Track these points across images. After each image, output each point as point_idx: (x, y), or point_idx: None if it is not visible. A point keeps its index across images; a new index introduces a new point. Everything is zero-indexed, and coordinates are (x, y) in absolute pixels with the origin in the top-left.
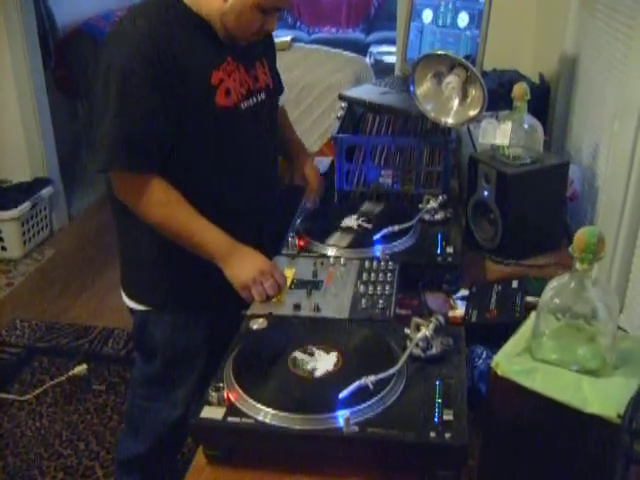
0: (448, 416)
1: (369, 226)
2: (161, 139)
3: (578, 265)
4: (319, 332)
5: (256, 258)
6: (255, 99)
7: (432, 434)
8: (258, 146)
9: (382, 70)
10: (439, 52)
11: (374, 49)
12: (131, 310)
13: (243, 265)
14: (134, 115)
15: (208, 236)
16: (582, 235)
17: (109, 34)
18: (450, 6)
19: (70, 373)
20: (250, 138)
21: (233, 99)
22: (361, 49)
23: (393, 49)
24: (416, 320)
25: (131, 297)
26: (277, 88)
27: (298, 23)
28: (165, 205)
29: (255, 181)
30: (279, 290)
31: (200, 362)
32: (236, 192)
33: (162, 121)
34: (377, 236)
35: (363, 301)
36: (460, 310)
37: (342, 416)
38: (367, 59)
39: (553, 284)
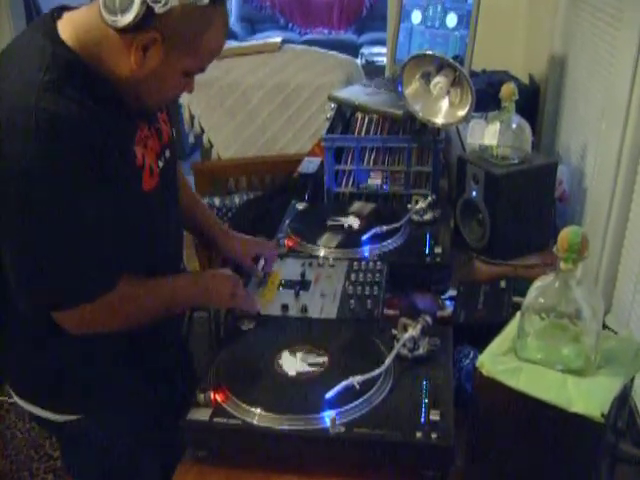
0: (435, 416)
1: (358, 226)
2: (112, 244)
3: (562, 265)
4: (307, 333)
5: (215, 280)
6: (163, 160)
7: (418, 434)
8: (172, 211)
9: (373, 71)
10: (427, 52)
11: (365, 50)
12: (46, 423)
13: (212, 292)
14: (81, 229)
15: (177, 295)
16: (566, 235)
17: (6, 120)
18: (439, 7)
19: None
20: (166, 207)
21: (155, 178)
22: (353, 50)
23: (384, 50)
24: (403, 320)
25: (47, 407)
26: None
27: (290, 24)
28: (137, 306)
29: (174, 240)
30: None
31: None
32: (157, 258)
33: (106, 222)
34: (366, 237)
35: (351, 301)
36: (448, 310)
37: (328, 416)
38: (358, 60)
39: (538, 284)
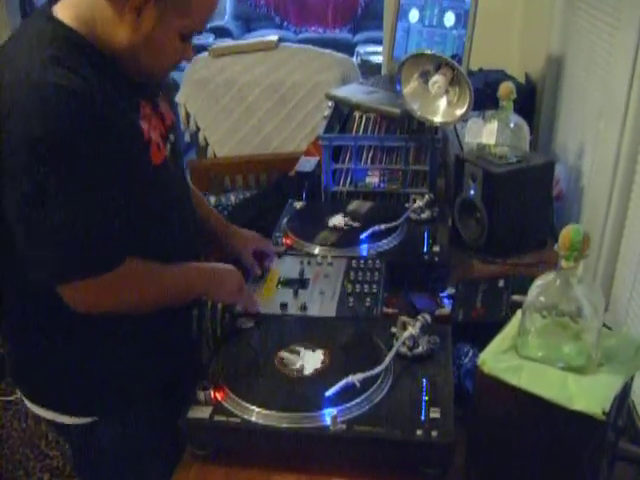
0: (435, 414)
1: (356, 225)
2: (123, 220)
3: (564, 263)
4: (306, 331)
5: (225, 273)
6: (169, 143)
7: (419, 432)
8: (181, 196)
9: (368, 70)
10: (426, 51)
11: (361, 49)
12: (59, 427)
13: (221, 284)
14: (92, 202)
15: (192, 282)
16: (567, 233)
17: (10, 96)
18: (436, 6)
19: None
20: (174, 191)
21: (163, 153)
22: (348, 49)
23: (379, 49)
24: (403, 319)
25: (62, 410)
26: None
27: (285, 23)
28: (141, 289)
29: (185, 226)
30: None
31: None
32: (173, 243)
33: (118, 197)
34: (364, 235)
35: (350, 300)
36: (447, 309)
37: (329, 414)
38: (354, 59)
39: (539, 282)
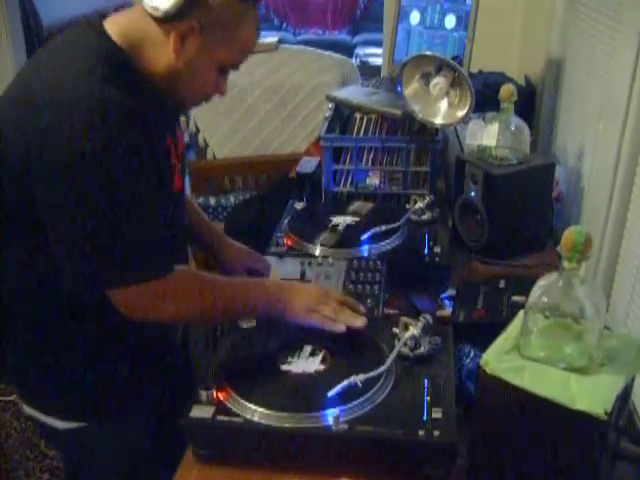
0: (437, 414)
1: (357, 226)
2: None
3: (566, 264)
4: (308, 331)
5: (304, 291)
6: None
7: (421, 432)
8: (182, 224)
9: (368, 72)
10: (427, 53)
11: (360, 51)
12: (50, 431)
13: (287, 304)
14: (143, 208)
15: (253, 296)
16: (570, 234)
17: (59, 104)
18: (437, 8)
19: None
20: (182, 217)
21: (182, 180)
22: (347, 51)
23: (379, 51)
24: (404, 319)
25: (53, 413)
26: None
27: (284, 25)
28: (196, 299)
29: (184, 250)
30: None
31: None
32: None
33: (158, 210)
34: (365, 236)
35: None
36: (447, 310)
37: (331, 414)
38: (353, 60)
39: (542, 283)
